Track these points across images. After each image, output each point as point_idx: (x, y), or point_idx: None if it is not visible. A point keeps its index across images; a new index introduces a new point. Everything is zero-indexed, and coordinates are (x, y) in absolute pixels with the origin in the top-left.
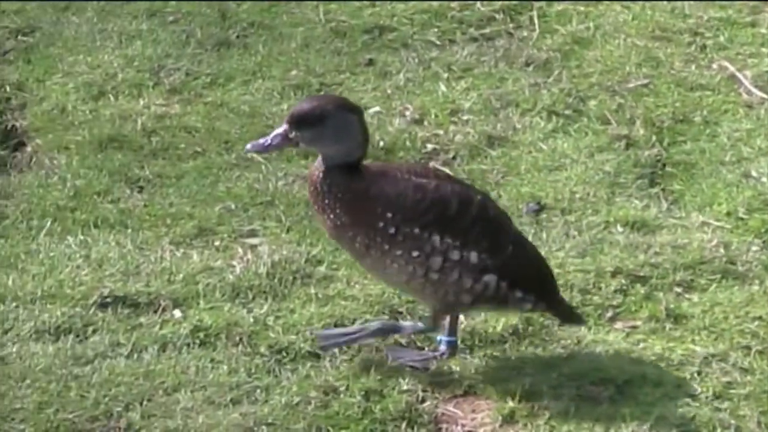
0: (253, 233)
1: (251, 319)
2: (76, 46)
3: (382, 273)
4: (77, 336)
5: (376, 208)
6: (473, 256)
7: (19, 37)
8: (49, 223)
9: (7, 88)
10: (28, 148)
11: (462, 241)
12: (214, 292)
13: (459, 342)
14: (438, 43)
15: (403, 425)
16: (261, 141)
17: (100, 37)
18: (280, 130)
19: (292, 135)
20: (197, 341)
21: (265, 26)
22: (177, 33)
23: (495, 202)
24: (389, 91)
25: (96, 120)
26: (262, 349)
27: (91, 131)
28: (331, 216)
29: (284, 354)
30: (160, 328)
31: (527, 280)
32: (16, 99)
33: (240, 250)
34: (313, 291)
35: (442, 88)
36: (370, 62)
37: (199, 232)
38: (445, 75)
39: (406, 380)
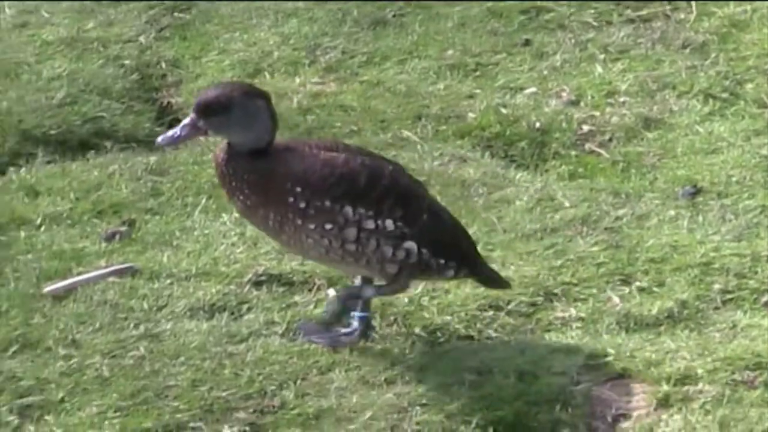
0: None
1: (406, 299)
2: (232, 24)
3: (300, 249)
4: (231, 314)
5: (284, 184)
6: (389, 224)
7: (175, 13)
8: (204, 201)
9: (163, 65)
10: None
11: (375, 210)
12: None
13: (371, 319)
14: (595, 24)
15: (557, 407)
16: (170, 133)
17: (256, 14)
18: (187, 120)
19: (200, 124)
20: None
21: (422, 5)
22: (333, 11)
23: (407, 173)
24: (545, 72)
25: None
26: (417, 330)
27: None
28: (240, 197)
29: (438, 335)
30: (315, 307)
31: (446, 246)
32: (171, 76)
33: None
34: None
35: (599, 69)
36: (527, 42)
37: None
38: (602, 56)
39: (560, 362)
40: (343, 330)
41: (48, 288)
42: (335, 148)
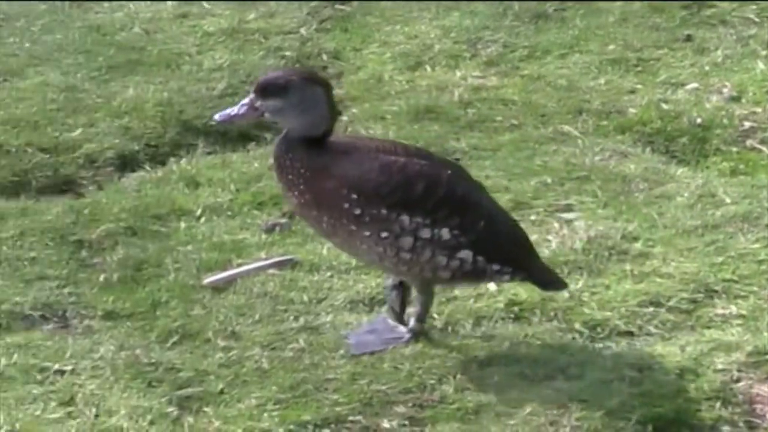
0: (568, 208)
1: (566, 295)
2: (393, 16)
3: (353, 253)
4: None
5: (340, 189)
6: (445, 233)
7: (337, 5)
8: None
9: (324, 57)
10: (345, 117)
11: (432, 219)
12: None
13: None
14: (756, 20)
15: (717, 405)
16: (228, 111)
17: (418, 7)
18: (246, 99)
19: (258, 104)
20: (511, 315)
21: None
22: (494, 5)
23: (466, 174)
24: (707, 68)
25: (412, 90)
26: (577, 325)
27: (408, 101)
28: (296, 193)
29: (599, 330)
30: (475, 302)
31: (503, 252)
32: (332, 68)
33: (556, 224)
34: (628, 267)
35: (760, 65)
36: (688, 38)
37: (515, 205)
38: (764, 52)
39: (721, 359)
40: (394, 336)
41: (208, 279)
42: (394, 150)
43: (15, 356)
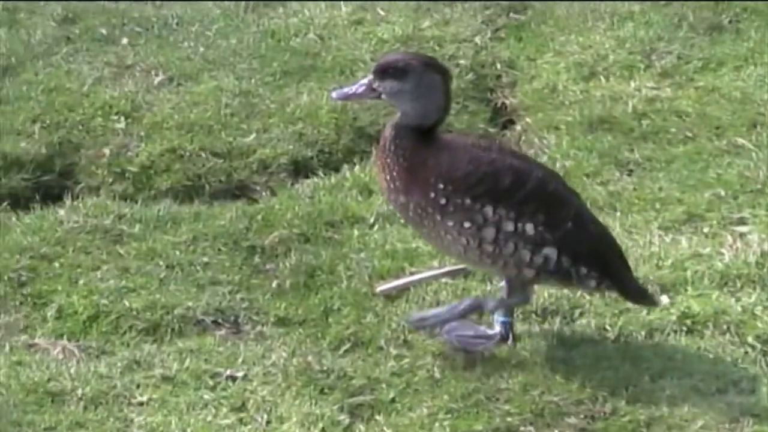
0: (742, 221)
1: (739, 308)
2: (567, 26)
3: (440, 244)
4: (564, 318)
5: (429, 178)
6: (529, 228)
7: (511, 14)
8: None
9: (498, 66)
10: (518, 127)
11: (516, 213)
12: (702, 279)
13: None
14: None
15: None
16: (346, 89)
17: (592, 17)
18: (365, 79)
19: (376, 85)
20: (684, 328)
21: (759, 12)
22: (669, 16)
23: (563, 181)
24: None
25: (586, 101)
26: (750, 339)
27: (582, 112)
28: (388, 177)
29: None
30: (648, 314)
31: (590, 256)
32: (506, 77)
33: (729, 237)
34: None
35: None
36: None
37: (687, 217)
38: None
39: None
40: (486, 333)
41: (380, 287)
42: (489, 147)
43: (187, 361)
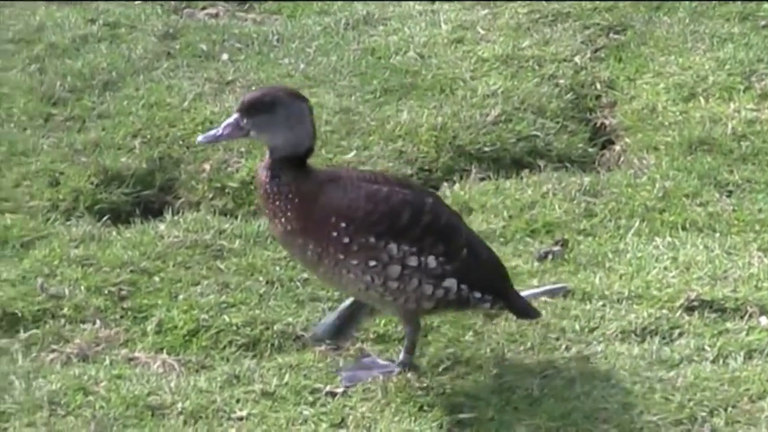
0: None
1: None
2: (667, 47)
3: (338, 282)
4: (663, 338)
5: (328, 217)
6: (431, 261)
7: (611, 35)
8: (637, 223)
9: (598, 86)
10: (617, 147)
11: (418, 247)
12: None
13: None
14: None
15: None
16: (212, 132)
17: (692, 38)
18: (231, 119)
19: (244, 123)
20: None
21: None
22: None
23: (445, 203)
24: None
25: (686, 122)
26: None
27: (681, 133)
28: (282, 220)
29: None
30: (747, 335)
31: (484, 280)
32: (606, 97)
33: None
34: None
35: None
36: None
37: None
38: None
39: None
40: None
41: None
42: (375, 179)
43: (287, 377)
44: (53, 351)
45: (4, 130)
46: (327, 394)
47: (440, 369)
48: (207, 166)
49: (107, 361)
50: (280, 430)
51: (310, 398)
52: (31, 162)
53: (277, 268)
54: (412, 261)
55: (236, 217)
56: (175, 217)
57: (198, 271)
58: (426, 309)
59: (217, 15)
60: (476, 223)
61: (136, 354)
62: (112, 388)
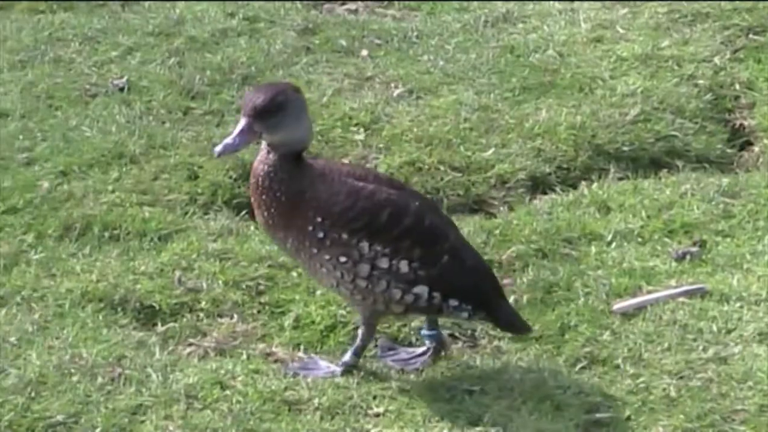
0: None
1: None
2: None
3: (314, 276)
4: None
5: (307, 212)
6: (403, 266)
7: (751, 35)
8: None
9: (737, 87)
10: (756, 148)
11: (392, 249)
12: None
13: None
14: None
15: None
16: (229, 141)
17: None
18: (243, 126)
19: (256, 127)
20: None
21: None
22: None
23: (438, 209)
24: None
25: None
26: None
27: None
28: (265, 213)
29: None
30: None
31: (463, 290)
32: (745, 98)
33: None
34: None
35: None
36: None
37: None
38: None
39: None
40: (416, 351)
41: (617, 305)
42: (365, 177)
43: (423, 374)
44: (190, 345)
45: (143, 123)
46: (464, 391)
47: (577, 368)
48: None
49: (244, 356)
50: (416, 426)
51: (447, 395)
52: (169, 155)
53: None
54: (383, 263)
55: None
56: None
57: None
58: (396, 312)
59: (356, 11)
60: (614, 222)
61: (274, 349)
62: (249, 383)
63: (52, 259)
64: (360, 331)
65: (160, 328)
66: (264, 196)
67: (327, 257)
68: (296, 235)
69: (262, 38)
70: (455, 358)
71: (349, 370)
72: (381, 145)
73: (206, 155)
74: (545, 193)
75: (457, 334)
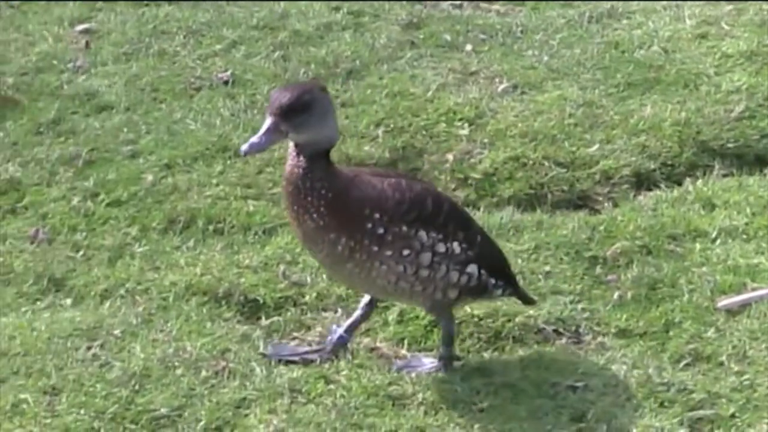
0: None
1: None
2: None
3: (366, 277)
4: None
5: (362, 210)
6: (456, 247)
7: None
8: None
9: None
10: None
11: (443, 234)
12: None
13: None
14: None
15: None
16: (255, 140)
17: None
18: (269, 125)
19: (282, 127)
20: None
21: None
22: None
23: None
24: None
25: None
26: None
27: None
28: (314, 216)
29: None
30: None
31: (498, 267)
32: None
33: None
34: None
35: None
36: None
37: None
38: None
39: None
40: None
41: (722, 302)
42: (388, 174)
43: (528, 369)
44: (294, 338)
45: (247, 117)
46: (567, 387)
47: (681, 365)
48: (450, 157)
49: (348, 350)
50: (519, 422)
51: (551, 391)
52: (273, 149)
53: (519, 260)
54: (441, 247)
55: (479, 208)
56: None
57: None
58: (451, 299)
59: (460, 6)
60: (719, 219)
61: (378, 344)
62: (353, 377)
63: (156, 252)
64: (441, 323)
65: (264, 321)
66: (309, 198)
67: (389, 253)
68: (351, 235)
69: (367, 32)
70: (560, 354)
71: (449, 362)
72: (485, 140)
73: None
74: (650, 190)
75: (561, 330)
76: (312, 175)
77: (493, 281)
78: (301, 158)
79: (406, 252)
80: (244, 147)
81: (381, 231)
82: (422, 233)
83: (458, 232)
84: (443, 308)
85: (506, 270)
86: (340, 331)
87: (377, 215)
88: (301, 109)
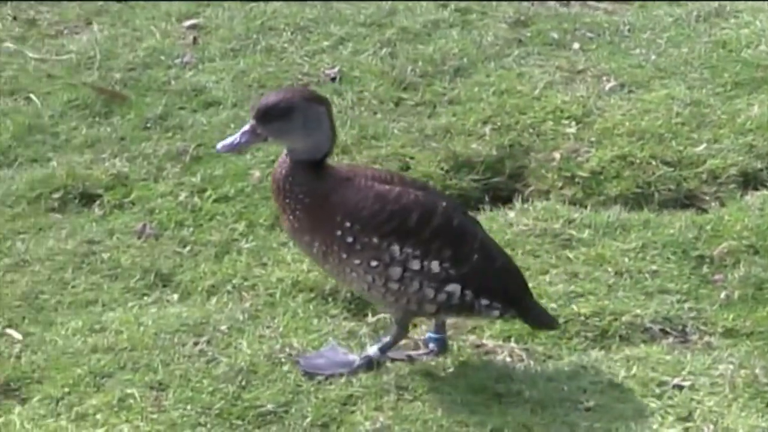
0: None
1: None
2: None
3: (342, 280)
4: None
5: (335, 216)
6: (435, 266)
7: None
8: None
9: None
10: None
11: (423, 251)
12: None
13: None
14: None
15: None
16: (230, 140)
17: None
18: (247, 127)
19: (260, 130)
20: None
21: None
22: None
23: (464, 210)
24: None
25: None
26: None
27: None
28: (291, 217)
29: None
30: None
31: (494, 288)
32: None
33: None
34: None
35: None
36: None
37: None
38: None
39: None
40: (420, 353)
41: None
42: (390, 180)
43: (634, 369)
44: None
45: (354, 114)
46: (674, 387)
47: None
48: (557, 155)
49: (455, 347)
50: (626, 421)
51: (657, 390)
52: (381, 146)
53: (626, 259)
54: (415, 264)
55: (585, 207)
56: (525, 205)
57: (547, 259)
58: (429, 312)
59: (568, 3)
60: None
61: (484, 341)
62: (459, 374)
63: (263, 248)
64: (393, 329)
65: (370, 318)
66: (287, 200)
67: (357, 262)
68: (323, 239)
69: (474, 30)
70: (666, 353)
71: (370, 365)
72: (593, 139)
73: (418, 146)
74: (757, 189)
75: (668, 329)
76: (293, 179)
77: (485, 302)
78: (288, 160)
79: (374, 263)
80: (219, 146)
81: (350, 239)
82: (395, 247)
83: (444, 250)
84: (408, 320)
85: (510, 292)
86: (433, 334)
87: (348, 224)
88: (279, 116)
